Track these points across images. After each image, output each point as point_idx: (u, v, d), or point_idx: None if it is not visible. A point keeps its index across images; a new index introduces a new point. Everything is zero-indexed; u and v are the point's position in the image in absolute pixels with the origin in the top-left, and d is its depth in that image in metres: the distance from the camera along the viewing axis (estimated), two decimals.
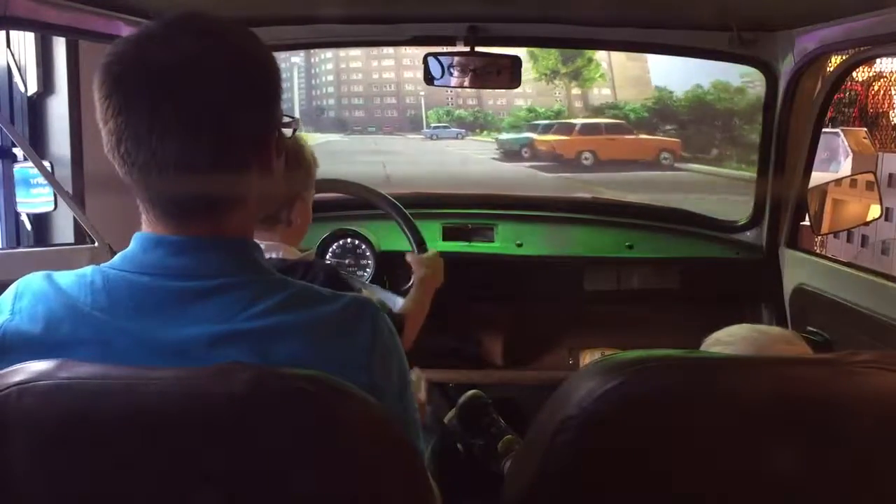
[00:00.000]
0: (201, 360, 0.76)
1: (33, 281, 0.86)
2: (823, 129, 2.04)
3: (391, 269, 2.13)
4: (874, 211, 2.13)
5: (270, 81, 0.86)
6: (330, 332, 0.83)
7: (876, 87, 5.33)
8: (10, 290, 0.86)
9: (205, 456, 0.71)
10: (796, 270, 2.11)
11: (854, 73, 5.10)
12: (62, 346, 0.80)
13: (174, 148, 0.79)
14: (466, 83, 2.02)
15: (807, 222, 2.14)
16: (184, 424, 0.71)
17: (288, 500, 0.71)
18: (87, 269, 0.85)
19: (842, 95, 4.75)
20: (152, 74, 0.79)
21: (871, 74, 5.27)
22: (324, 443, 0.72)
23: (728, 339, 1.10)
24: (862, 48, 1.79)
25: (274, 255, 1.40)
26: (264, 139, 0.85)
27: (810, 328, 1.98)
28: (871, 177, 2.20)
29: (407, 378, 0.91)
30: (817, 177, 2.11)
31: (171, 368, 0.74)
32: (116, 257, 0.86)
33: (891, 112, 5.38)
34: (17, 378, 0.72)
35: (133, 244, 0.85)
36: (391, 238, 2.15)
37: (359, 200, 2.09)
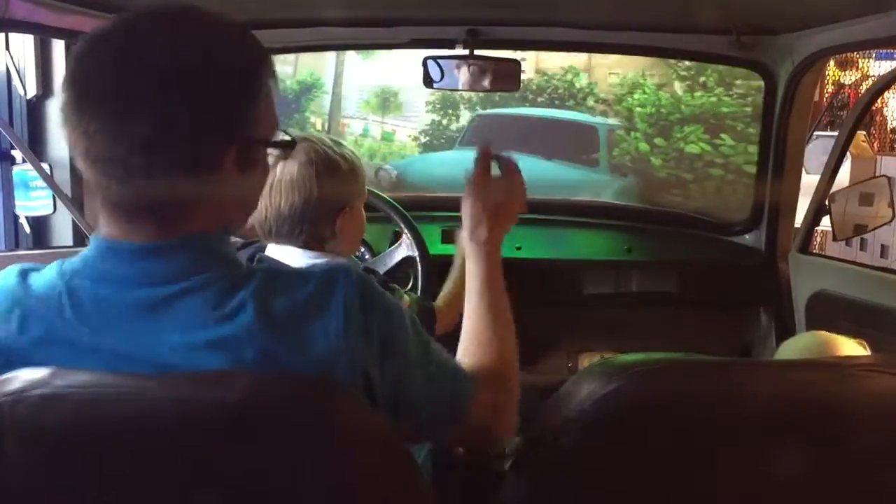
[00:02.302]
0: (181, 370, 0.75)
1: (7, 278, 0.83)
2: (822, 133, 2.04)
3: (391, 272, 2.13)
4: (887, 214, 2.13)
5: (226, 87, 0.80)
6: (299, 324, 0.78)
7: (865, 88, 5.33)
8: None
9: (201, 463, 0.71)
10: (814, 276, 2.09)
11: (843, 77, 5.12)
12: (33, 350, 0.78)
13: (105, 144, 0.77)
14: (466, 86, 2.02)
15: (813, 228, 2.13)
16: (180, 432, 0.71)
17: (286, 500, 0.71)
18: (55, 277, 0.81)
19: (829, 101, 4.76)
20: (100, 69, 0.78)
21: (858, 77, 5.28)
22: (319, 449, 0.71)
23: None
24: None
25: None
26: (213, 146, 0.80)
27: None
28: (884, 180, 2.21)
29: (403, 338, 0.84)
30: (813, 180, 2.11)
31: (166, 376, 0.73)
32: (77, 262, 0.82)
33: (884, 113, 5.39)
34: (11, 387, 0.71)
35: (90, 249, 0.82)
36: (389, 240, 2.15)
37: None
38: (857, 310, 1.89)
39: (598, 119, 5.75)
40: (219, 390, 0.71)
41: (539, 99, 5.58)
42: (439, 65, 1.99)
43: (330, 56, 5.69)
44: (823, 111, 4.52)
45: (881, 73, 5.33)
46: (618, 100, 5.68)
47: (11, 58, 2.58)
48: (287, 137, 0.92)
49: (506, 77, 2.03)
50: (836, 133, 4.60)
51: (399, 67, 5.51)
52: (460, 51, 2.02)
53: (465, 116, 5.83)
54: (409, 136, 6.10)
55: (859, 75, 5.28)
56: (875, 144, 5.14)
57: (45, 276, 0.82)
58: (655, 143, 5.52)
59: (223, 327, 0.76)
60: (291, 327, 0.78)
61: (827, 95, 4.80)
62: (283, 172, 1.35)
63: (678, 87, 5.55)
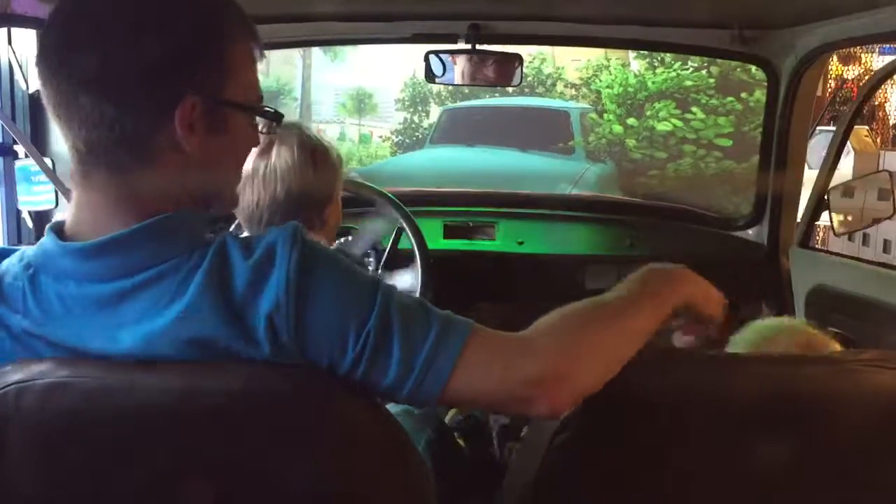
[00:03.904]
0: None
1: None
2: (824, 128, 2.04)
3: (391, 266, 2.13)
4: (887, 209, 2.12)
5: (182, 31, 0.75)
6: (237, 301, 0.73)
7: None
8: None
9: (204, 451, 0.71)
10: (814, 270, 2.08)
11: (845, 72, 5.10)
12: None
13: (57, 86, 0.76)
14: (468, 81, 2.02)
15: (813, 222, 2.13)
16: (183, 420, 0.72)
17: (284, 493, 0.71)
18: (18, 270, 0.78)
19: (832, 95, 4.75)
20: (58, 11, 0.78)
21: (860, 72, 5.26)
22: (319, 438, 0.72)
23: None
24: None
25: None
26: (164, 92, 0.75)
27: (831, 328, 1.98)
28: (886, 175, 2.20)
29: (354, 302, 0.75)
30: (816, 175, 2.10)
31: (169, 364, 0.73)
32: (39, 253, 0.79)
33: (886, 108, 5.37)
34: (16, 376, 0.72)
35: (46, 239, 0.79)
36: (390, 235, 2.15)
37: (357, 197, 2.09)
38: (855, 305, 1.89)
39: (570, 104, 5.73)
40: (221, 379, 0.72)
41: (509, 87, 5.57)
42: (441, 59, 1.99)
43: (297, 61, 5.64)
44: (826, 106, 4.51)
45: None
46: (585, 83, 5.67)
47: (13, 52, 2.58)
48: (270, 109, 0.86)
49: (507, 71, 2.03)
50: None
51: (371, 67, 5.47)
52: (462, 46, 2.01)
53: (436, 112, 5.76)
54: (381, 136, 6.03)
55: (862, 70, 5.26)
56: (878, 139, 5.13)
57: (9, 272, 0.79)
58: (628, 123, 5.53)
59: (176, 311, 0.73)
60: (231, 306, 0.73)
61: (829, 90, 4.79)
62: (277, 157, 1.31)
63: (640, 65, 5.56)
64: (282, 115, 0.88)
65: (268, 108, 0.85)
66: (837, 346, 1.04)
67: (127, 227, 0.76)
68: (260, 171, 1.34)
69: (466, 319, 0.77)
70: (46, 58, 0.77)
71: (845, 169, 4.53)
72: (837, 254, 2.25)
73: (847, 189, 2.12)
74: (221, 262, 0.75)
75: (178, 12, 0.77)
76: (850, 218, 2.13)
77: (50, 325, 0.76)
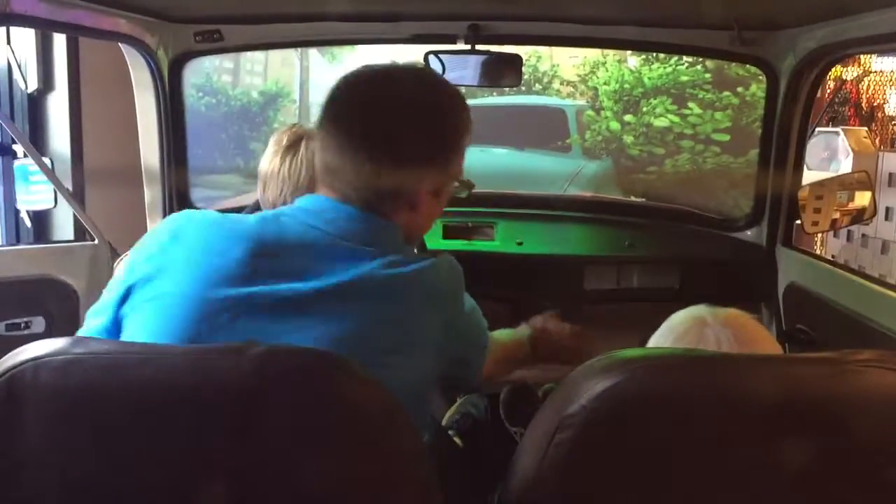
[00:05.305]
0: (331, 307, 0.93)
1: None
2: (823, 129, 2.05)
3: None
4: (868, 210, 2.12)
5: (450, 131, 1.07)
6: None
7: (866, 84, 5.32)
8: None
9: (216, 430, 0.72)
10: (790, 268, 2.12)
11: (843, 73, 5.11)
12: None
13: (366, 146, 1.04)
14: (467, 81, 2.02)
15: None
16: (195, 400, 0.73)
17: (294, 474, 0.72)
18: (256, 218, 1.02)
19: (831, 96, 4.76)
20: (376, 105, 1.06)
21: (859, 72, 5.26)
22: (328, 420, 0.73)
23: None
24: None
25: None
26: (430, 169, 1.05)
27: (800, 326, 1.99)
28: (864, 175, 2.19)
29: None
30: (815, 176, 2.11)
31: (182, 346, 0.78)
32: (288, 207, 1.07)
33: (885, 108, 5.37)
34: (32, 354, 0.74)
35: (305, 200, 1.05)
36: None
37: None
38: (818, 304, 1.91)
39: (567, 101, 5.72)
40: (234, 358, 0.73)
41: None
42: (441, 60, 1.99)
43: (295, 62, 5.65)
44: (825, 107, 4.52)
45: (882, 69, 5.33)
46: (582, 80, 5.67)
47: (13, 52, 2.58)
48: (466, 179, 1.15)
49: (507, 72, 2.03)
50: (836, 129, 4.62)
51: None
52: (462, 46, 2.02)
53: None
54: None
55: (861, 71, 5.27)
56: (877, 140, 5.13)
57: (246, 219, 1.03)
58: (625, 120, 5.53)
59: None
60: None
61: (828, 91, 4.80)
62: (306, 148, 1.55)
63: (636, 61, 5.57)
64: (473, 185, 1.18)
65: (466, 180, 1.16)
66: (765, 336, 1.00)
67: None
68: (285, 167, 1.58)
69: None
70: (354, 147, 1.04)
71: (844, 170, 4.55)
72: (810, 253, 2.26)
73: (820, 188, 2.12)
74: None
75: (454, 131, 1.09)
76: (823, 217, 2.12)
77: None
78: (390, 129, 1.04)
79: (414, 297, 1.00)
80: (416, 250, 1.14)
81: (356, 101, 1.07)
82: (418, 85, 1.09)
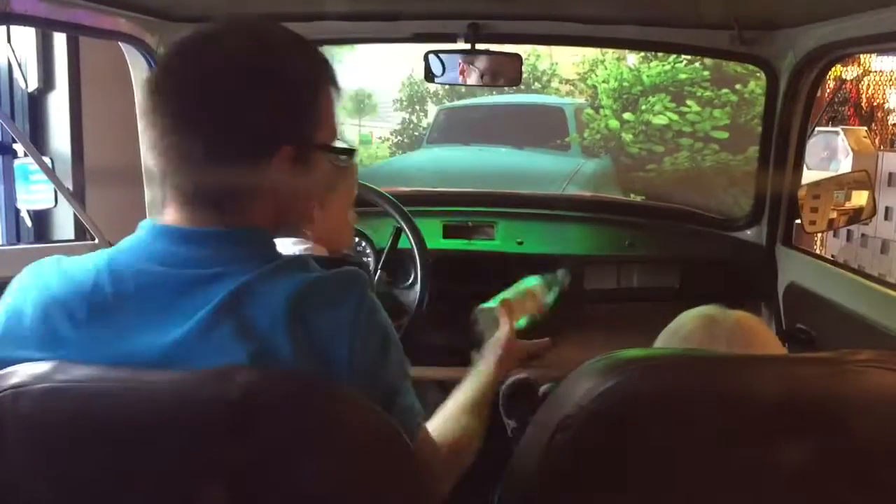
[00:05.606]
0: (196, 345, 0.77)
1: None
2: (822, 129, 2.05)
3: (391, 267, 2.13)
4: (867, 210, 2.12)
5: (283, 91, 0.88)
6: (315, 302, 0.82)
7: (866, 84, 5.33)
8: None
9: (201, 458, 0.71)
10: (789, 268, 2.12)
11: (844, 73, 5.11)
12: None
13: (174, 140, 0.85)
14: (467, 81, 2.02)
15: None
16: (180, 427, 0.71)
17: (283, 501, 0.71)
18: (92, 262, 0.85)
19: (830, 96, 4.75)
20: (180, 77, 0.87)
21: (859, 72, 5.26)
22: (318, 446, 0.72)
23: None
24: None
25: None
26: (269, 144, 0.87)
27: (800, 326, 1.99)
28: (864, 175, 2.19)
29: (391, 358, 0.88)
30: (814, 176, 2.11)
31: (166, 371, 0.74)
32: (123, 245, 0.87)
33: (885, 108, 5.37)
34: (13, 381, 0.72)
35: (142, 232, 0.87)
36: (389, 235, 2.15)
37: (358, 198, 2.09)
38: (818, 303, 1.91)
39: (565, 100, 5.72)
40: (220, 386, 0.72)
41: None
42: (441, 59, 1.99)
43: None
44: (825, 106, 4.52)
45: (882, 69, 5.33)
46: (581, 78, 5.66)
47: (13, 51, 2.58)
48: (345, 145, 0.98)
49: (507, 71, 2.03)
50: (836, 128, 4.62)
51: (370, 68, 5.45)
52: (462, 45, 2.02)
53: (434, 111, 5.75)
54: (380, 137, 6.04)
55: (860, 70, 5.27)
56: (876, 140, 5.13)
57: (81, 264, 0.87)
58: (624, 118, 5.53)
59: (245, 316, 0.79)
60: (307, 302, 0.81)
61: (828, 91, 4.80)
62: None
63: (635, 59, 5.56)
64: (354, 150, 1.00)
65: (344, 147, 0.96)
66: (766, 335, 1.02)
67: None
68: None
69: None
70: (168, 113, 0.86)
71: (844, 170, 4.55)
72: (810, 253, 2.27)
73: (819, 187, 2.12)
74: (296, 264, 0.87)
75: (290, 83, 0.89)
76: (822, 216, 2.13)
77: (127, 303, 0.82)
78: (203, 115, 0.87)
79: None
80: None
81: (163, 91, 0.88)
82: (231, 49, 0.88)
